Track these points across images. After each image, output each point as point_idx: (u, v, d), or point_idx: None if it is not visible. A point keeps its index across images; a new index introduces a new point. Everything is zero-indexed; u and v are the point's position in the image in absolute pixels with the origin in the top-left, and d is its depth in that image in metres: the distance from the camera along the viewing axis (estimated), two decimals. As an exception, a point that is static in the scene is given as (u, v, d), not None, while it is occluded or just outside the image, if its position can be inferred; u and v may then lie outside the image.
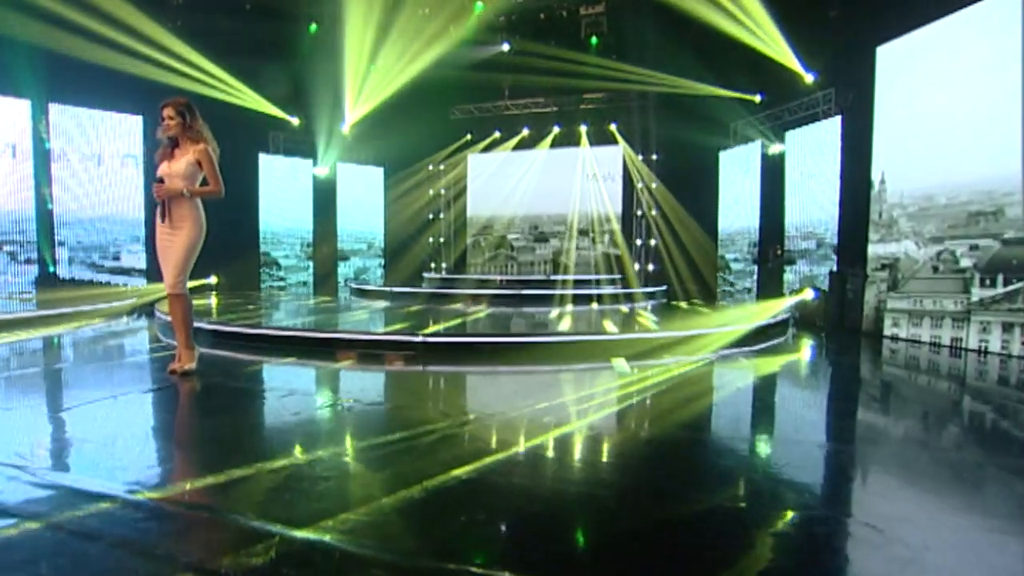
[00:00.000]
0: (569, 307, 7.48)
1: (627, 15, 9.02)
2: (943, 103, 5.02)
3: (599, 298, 8.04)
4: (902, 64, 5.45)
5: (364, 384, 4.07)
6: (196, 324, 5.23)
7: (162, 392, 3.41)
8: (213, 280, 9.39)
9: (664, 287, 8.71)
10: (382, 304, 7.93)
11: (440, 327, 5.40)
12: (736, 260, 9.49)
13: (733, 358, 4.56)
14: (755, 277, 9.19)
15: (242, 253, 10.44)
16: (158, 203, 3.56)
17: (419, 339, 4.49)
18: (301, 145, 11.21)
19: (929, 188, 5.06)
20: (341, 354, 4.44)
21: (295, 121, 10.75)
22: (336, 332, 4.81)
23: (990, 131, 4.59)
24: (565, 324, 5.92)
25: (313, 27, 9.54)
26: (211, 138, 3.65)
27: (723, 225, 9.90)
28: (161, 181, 3.52)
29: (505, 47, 9.42)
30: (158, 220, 3.60)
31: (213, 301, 8.37)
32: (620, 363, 4.08)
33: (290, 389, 3.70)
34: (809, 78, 8.12)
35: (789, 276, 8.41)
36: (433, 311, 6.85)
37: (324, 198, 11.51)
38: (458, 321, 5.72)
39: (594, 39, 9.26)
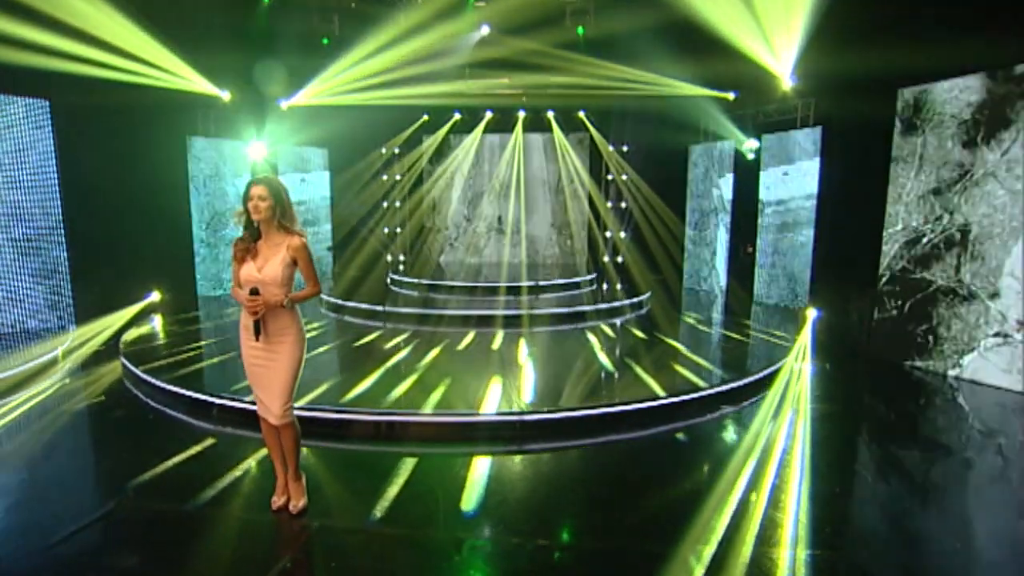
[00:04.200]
0: (599, 324, 7.27)
1: (615, 4, 8.57)
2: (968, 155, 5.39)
3: (614, 311, 7.86)
4: (923, 108, 5.75)
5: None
6: (185, 391, 4.54)
7: None
8: (156, 297, 7.95)
9: (648, 294, 8.76)
10: (377, 330, 7.19)
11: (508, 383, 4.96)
12: (714, 255, 9.83)
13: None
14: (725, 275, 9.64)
15: (178, 258, 8.96)
16: (253, 318, 2.81)
17: (516, 418, 4.13)
18: (235, 125, 9.63)
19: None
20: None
21: (225, 96, 9.14)
22: (408, 414, 4.19)
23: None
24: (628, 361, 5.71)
25: (265, -5, 8.00)
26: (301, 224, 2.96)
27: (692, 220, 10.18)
28: (256, 292, 2.77)
29: (485, 29, 8.61)
30: (247, 337, 2.89)
31: (159, 324, 7.12)
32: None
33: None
34: (788, 83, 8.22)
35: (765, 276, 8.87)
36: (478, 350, 6.12)
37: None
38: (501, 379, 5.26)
39: (580, 29, 8.74)
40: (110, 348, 6.17)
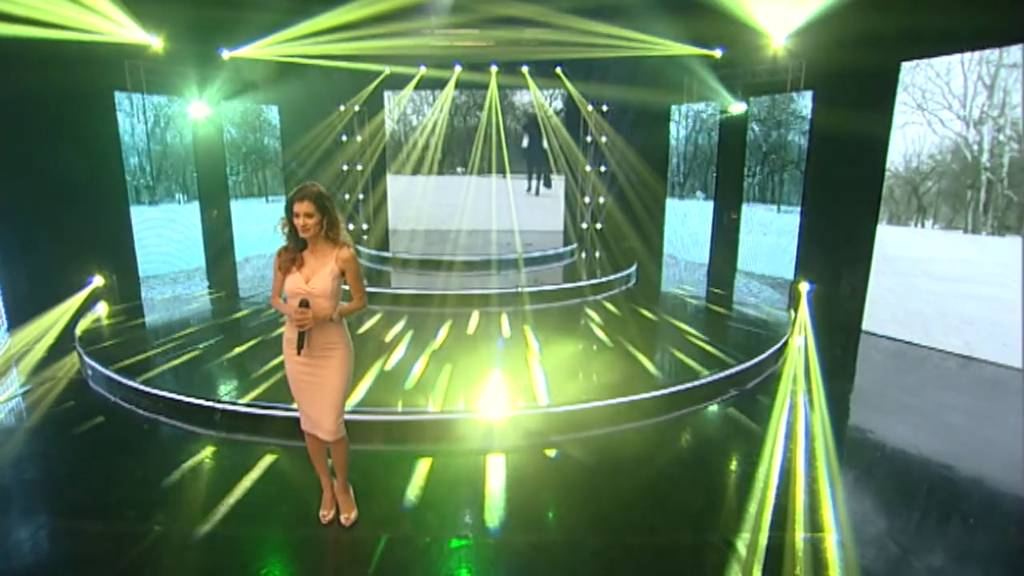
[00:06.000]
0: (591, 299, 6.99)
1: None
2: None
3: (602, 287, 7.57)
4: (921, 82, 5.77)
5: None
6: (179, 396, 3.98)
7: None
8: (100, 281, 6.87)
9: (635, 265, 8.56)
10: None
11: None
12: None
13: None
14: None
15: (114, 234, 7.73)
16: (300, 331, 2.63)
17: (535, 412, 3.89)
18: (170, 78, 8.33)
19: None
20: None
21: (157, 44, 7.81)
22: (425, 414, 3.86)
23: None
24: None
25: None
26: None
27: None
28: (306, 304, 2.57)
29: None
30: (291, 351, 2.70)
31: (106, 313, 6.15)
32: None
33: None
34: (780, 43, 7.92)
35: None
36: (469, 334, 5.67)
37: (208, 150, 8.95)
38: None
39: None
40: (61, 345, 5.25)
